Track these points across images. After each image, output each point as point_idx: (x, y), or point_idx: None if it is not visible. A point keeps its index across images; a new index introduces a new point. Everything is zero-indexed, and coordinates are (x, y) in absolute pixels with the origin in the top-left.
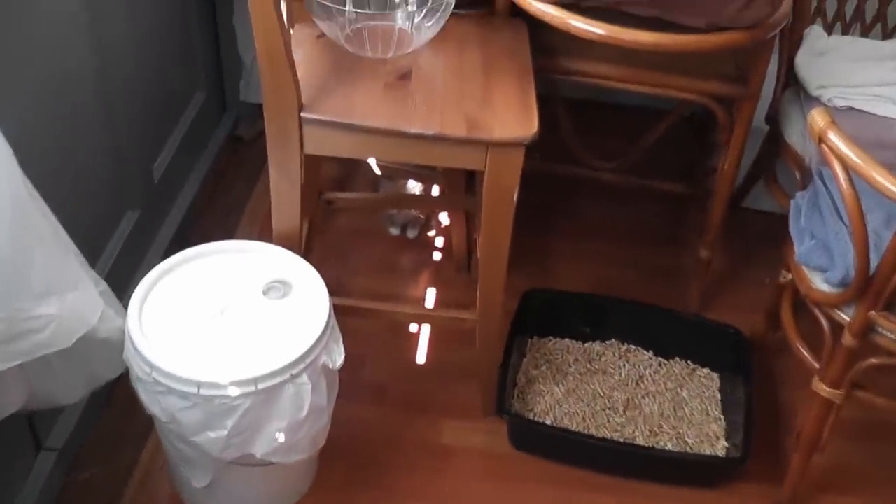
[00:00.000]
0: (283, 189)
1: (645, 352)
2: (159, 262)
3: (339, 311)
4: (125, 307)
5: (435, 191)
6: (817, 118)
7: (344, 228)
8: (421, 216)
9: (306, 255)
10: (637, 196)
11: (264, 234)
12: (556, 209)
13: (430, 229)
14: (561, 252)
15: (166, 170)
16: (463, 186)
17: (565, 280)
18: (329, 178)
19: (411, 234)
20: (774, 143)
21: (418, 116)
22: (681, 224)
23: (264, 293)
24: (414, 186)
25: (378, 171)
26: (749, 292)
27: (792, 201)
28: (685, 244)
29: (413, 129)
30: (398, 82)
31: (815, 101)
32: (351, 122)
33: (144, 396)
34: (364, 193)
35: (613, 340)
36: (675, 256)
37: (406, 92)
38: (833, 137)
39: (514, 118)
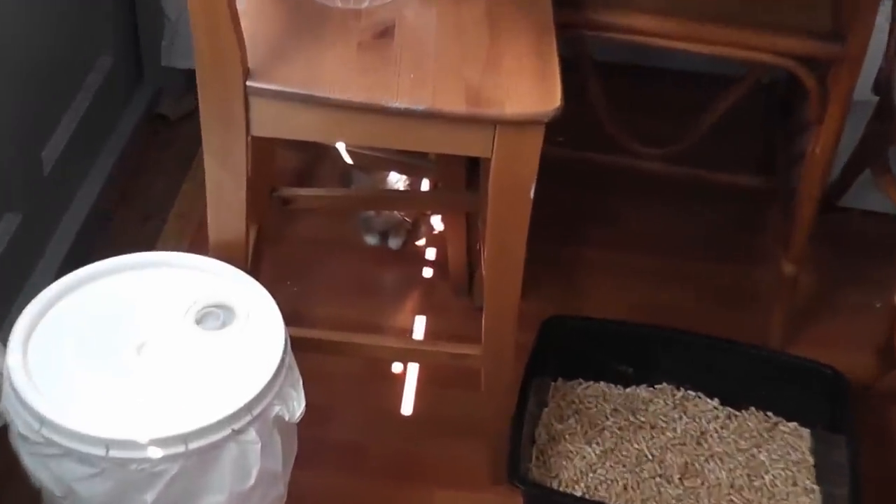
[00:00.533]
0: (223, 185)
1: (708, 400)
2: (51, 282)
3: (297, 346)
4: (3, 343)
5: (425, 186)
6: None
7: (305, 236)
8: (407, 220)
9: (254, 271)
10: (695, 193)
11: (197, 244)
12: (586, 210)
13: (418, 237)
14: (593, 266)
15: (60, 159)
16: (462, 180)
17: (599, 303)
18: (285, 171)
19: (394, 243)
20: (886, 119)
21: (403, 86)
22: (756, 230)
23: (197, 322)
24: (397, 181)
25: (349, 161)
26: (850, 320)
27: None
28: (762, 257)
29: (396, 104)
30: (376, 41)
31: None
32: (313, 94)
33: (30, 461)
34: (331, 190)
35: (665, 384)
36: (747, 273)
37: (387, 54)
38: None
39: (529, 88)
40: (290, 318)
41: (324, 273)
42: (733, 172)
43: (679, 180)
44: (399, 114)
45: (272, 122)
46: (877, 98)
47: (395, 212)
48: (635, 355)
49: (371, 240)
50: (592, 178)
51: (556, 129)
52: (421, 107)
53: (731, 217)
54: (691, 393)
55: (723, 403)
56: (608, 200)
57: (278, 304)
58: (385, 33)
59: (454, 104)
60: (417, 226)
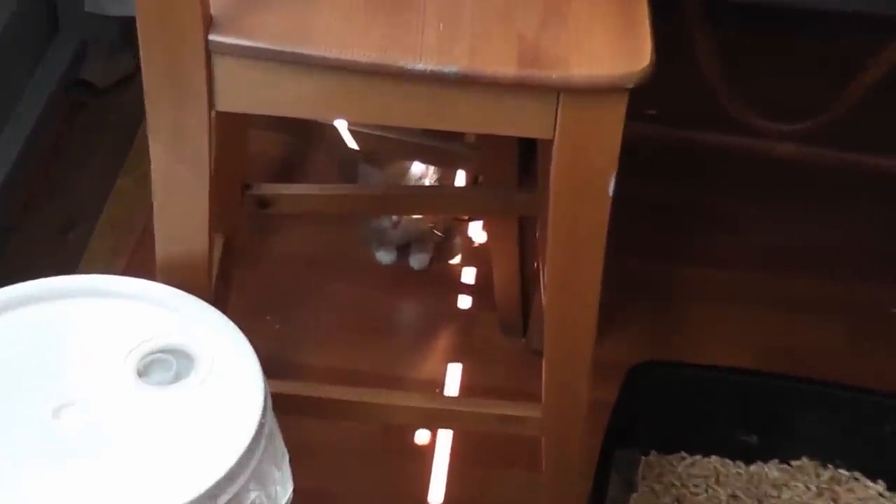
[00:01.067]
0: (176, 180)
1: (869, 482)
2: None
3: (282, 407)
4: None
5: (461, 181)
6: None
7: (291, 253)
8: (436, 231)
9: (220, 301)
10: (844, 185)
11: (137, 263)
12: (688, 212)
13: (451, 254)
14: (698, 292)
15: None
16: (513, 173)
17: (707, 345)
18: (263, 161)
19: (417, 261)
20: None
21: (429, 42)
22: None
23: (140, 374)
24: (422, 175)
25: (353, 146)
26: None
27: None
28: None
29: (419, 65)
30: None
31: None
32: (302, 52)
33: None
34: (328, 187)
35: (805, 460)
36: None
37: None
38: None
39: (606, 42)
40: (271, 368)
41: (318, 304)
42: None
43: (821, 168)
44: (423, 79)
45: (244, 93)
46: None
47: (419, 217)
48: (761, 418)
49: (385, 257)
50: (697, 167)
51: (646, 98)
52: (453, 68)
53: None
54: (843, 472)
55: (890, 488)
56: (720, 198)
57: (255, 347)
58: None
59: (500, 65)
60: (450, 237)
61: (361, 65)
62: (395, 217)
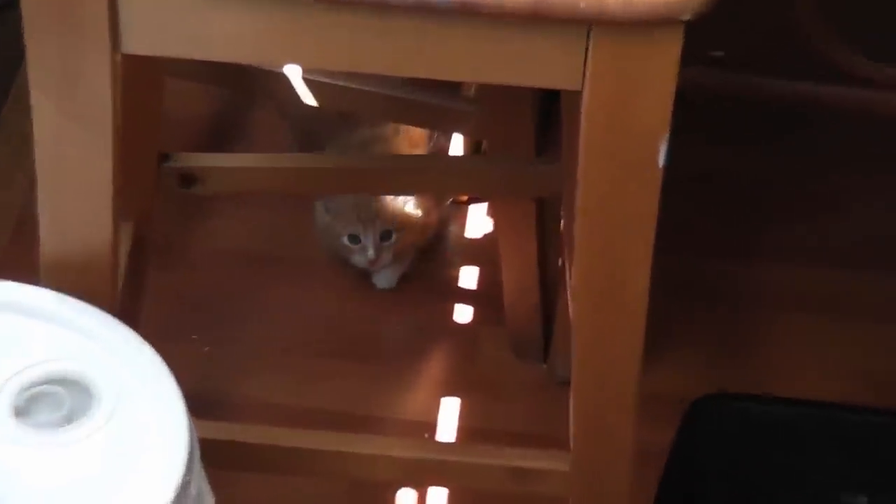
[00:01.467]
0: (68, 146)
1: None
2: None
3: (213, 458)
4: None
5: (457, 148)
6: None
7: (226, 247)
8: (419, 216)
9: (129, 313)
10: None
11: (13, 260)
12: (766, 191)
13: (444, 250)
14: (782, 298)
15: None
16: (530, 138)
17: (796, 371)
18: (189, 123)
19: (390, 268)
20: None
21: None
22: None
23: (18, 414)
24: (402, 138)
25: (311, 102)
26: None
27: None
28: None
29: None
30: None
31: None
32: None
33: None
34: (276, 157)
35: None
36: None
37: None
38: None
39: None
40: (199, 405)
41: (263, 318)
42: None
43: None
44: (406, 9)
45: (160, 28)
46: None
47: (400, 199)
48: (873, 472)
49: (356, 257)
50: (779, 127)
51: (709, 35)
52: None
53: None
54: None
55: None
56: (812, 171)
57: (177, 376)
58: None
59: None
60: (442, 226)
61: None
62: (366, 199)
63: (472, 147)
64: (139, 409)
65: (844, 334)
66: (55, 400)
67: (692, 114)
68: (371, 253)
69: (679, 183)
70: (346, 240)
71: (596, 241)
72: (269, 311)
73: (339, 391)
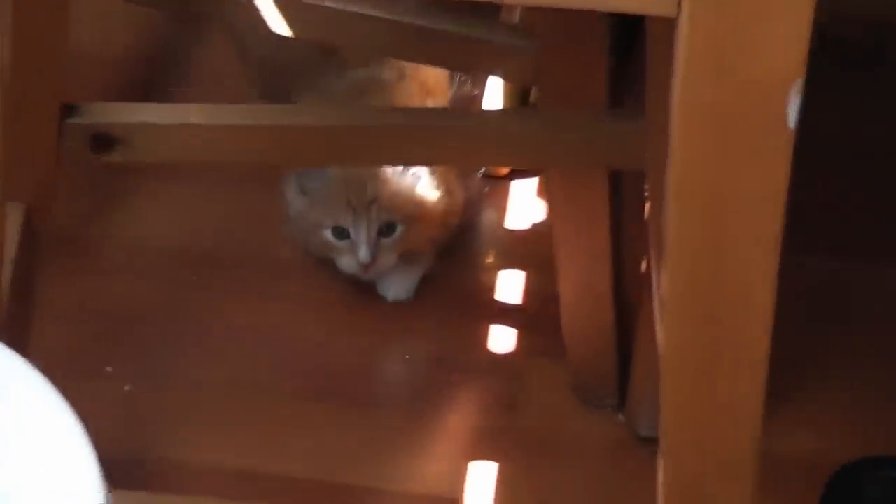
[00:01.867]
0: None
1: None
2: None
3: None
4: None
5: (493, 99)
6: None
7: (157, 241)
8: (433, 196)
9: (17, 334)
10: None
11: None
12: None
13: (475, 247)
14: None
15: None
16: (600, 85)
17: None
18: (103, 57)
19: (389, 288)
20: None
21: None
22: None
23: None
24: (410, 83)
25: (282, 30)
26: None
27: None
28: None
29: None
30: None
31: None
32: None
33: None
34: (226, 110)
35: None
36: None
37: None
38: None
39: None
40: (117, 467)
41: (210, 345)
42: None
43: None
44: None
45: None
46: None
47: (408, 174)
48: None
49: (342, 259)
50: None
51: None
52: None
53: None
54: None
55: None
56: None
57: (87, 425)
58: None
59: None
60: (472, 211)
61: None
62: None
63: (517, 97)
64: (32, 468)
65: None
66: None
67: (843, 57)
68: (364, 254)
69: (818, 158)
70: (329, 234)
71: (697, 234)
72: (218, 334)
73: (319, 450)
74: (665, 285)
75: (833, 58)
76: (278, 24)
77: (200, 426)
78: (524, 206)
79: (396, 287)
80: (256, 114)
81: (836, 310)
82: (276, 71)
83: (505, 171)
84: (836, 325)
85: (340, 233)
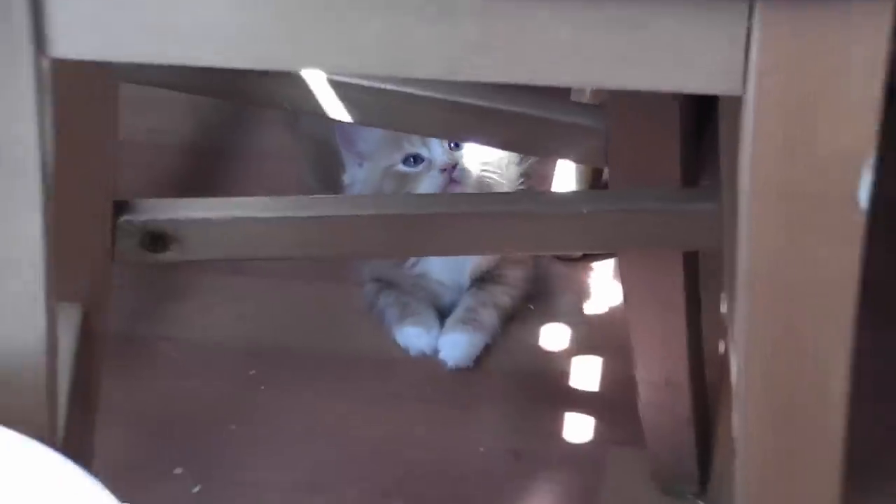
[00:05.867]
0: None
1: None
2: None
3: None
4: None
5: (566, 180)
6: None
7: (219, 337)
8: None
9: (77, 442)
10: None
11: None
12: None
13: (542, 319)
14: None
15: None
16: (675, 166)
17: None
18: (156, 156)
19: (452, 350)
20: None
21: None
22: None
23: None
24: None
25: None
26: None
27: None
28: None
29: None
30: None
31: None
32: None
33: None
34: (286, 202)
35: None
36: None
37: None
38: None
39: None
40: None
41: (274, 442)
42: None
43: None
44: None
45: (106, 23)
46: None
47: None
48: None
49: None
50: None
51: None
52: None
53: None
54: None
55: None
56: None
57: None
58: None
59: None
60: (544, 292)
61: None
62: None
63: (593, 179)
64: None
65: None
66: None
67: None
68: (442, 156)
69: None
70: (403, 167)
71: (768, 321)
72: (284, 433)
73: None
74: (737, 373)
75: None
76: (336, 109)
77: None
78: (600, 288)
79: (457, 350)
80: (310, 205)
81: None
82: (328, 157)
83: (576, 255)
84: None
85: (414, 159)
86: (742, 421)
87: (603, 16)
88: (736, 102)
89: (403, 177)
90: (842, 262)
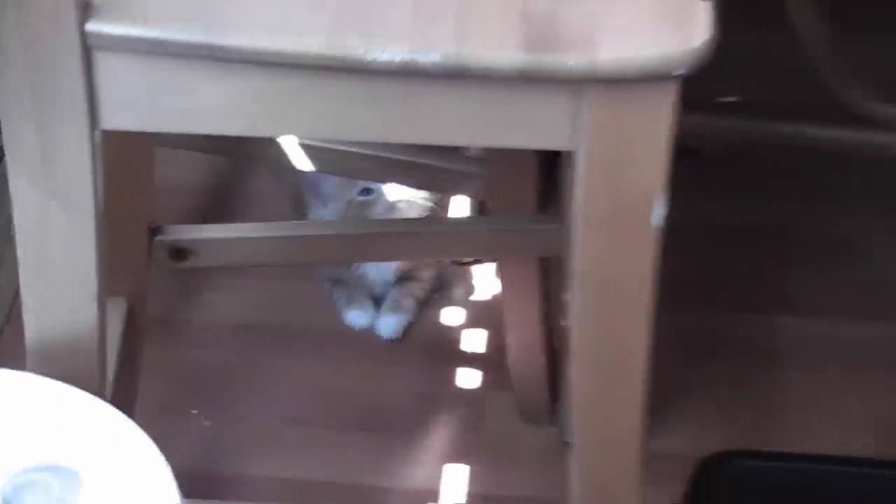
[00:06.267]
0: (49, 225)
1: None
2: None
3: None
4: None
5: (460, 208)
6: None
7: (223, 320)
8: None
9: (123, 393)
10: None
11: (5, 347)
12: (785, 239)
13: (447, 311)
14: (796, 352)
15: None
16: (532, 197)
17: (811, 426)
18: (180, 192)
19: (391, 324)
20: None
21: (398, 20)
22: None
23: (8, 502)
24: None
25: (309, 167)
26: None
27: None
28: None
29: (386, 54)
30: None
31: None
32: (220, 43)
33: None
34: (270, 227)
35: None
36: None
37: None
38: None
39: (645, 10)
40: (201, 483)
41: (264, 391)
42: None
43: None
44: (392, 74)
45: (140, 104)
46: None
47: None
48: None
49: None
50: (797, 175)
51: (721, 81)
52: (434, 57)
53: None
54: None
55: None
56: (833, 221)
57: (177, 452)
58: None
59: (498, 49)
60: (445, 286)
61: (304, 57)
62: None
63: (479, 207)
64: (128, 495)
65: (862, 386)
66: (43, 488)
67: (704, 164)
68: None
69: (691, 237)
70: (359, 197)
71: (593, 303)
72: (271, 383)
73: (345, 463)
74: (573, 338)
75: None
76: (304, 162)
77: (260, 449)
78: (485, 283)
79: (391, 326)
80: (290, 228)
81: (709, 348)
82: (301, 197)
83: (468, 259)
84: (710, 359)
85: (367, 191)
86: (576, 370)
87: (478, 98)
88: (571, 155)
89: (362, 204)
90: (642, 264)
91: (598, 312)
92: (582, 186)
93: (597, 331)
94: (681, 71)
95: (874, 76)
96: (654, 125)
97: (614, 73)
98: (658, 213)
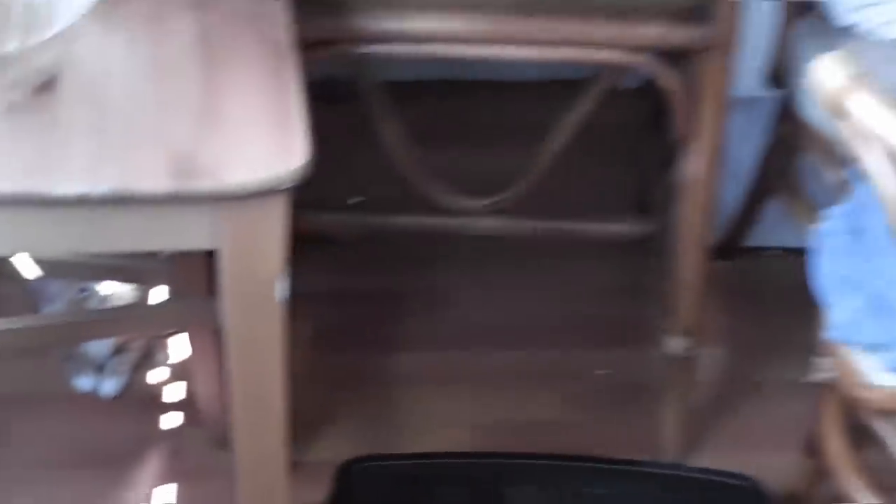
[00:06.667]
0: None
1: None
2: None
3: None
4: None
5: (159, 294)
6: (831, 68)
7: None
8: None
9: None
10: (551, 255)
11: None
12: (400, 299)
13: (151, 367)
14: (416, 378)
15: None
16: (203, 282)
17: (426, 432)
18: None
19: (108, 386)
20: (788, 120)
21: (77, 162)
22: (639, 296)
23: None
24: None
25: (35, 273)
26: (770, 407)
27: (816, 228)
28: (644, 333)
29: (64, 190)
30: (34, 100)
31: (848, 34)
32: None
33: None
34: (8, 321)
35: None
36: (636, 359)
37: (50, 116)
38: (862, 103)
39: (261, 143)
40: None
41: (16, 447)
42: (598, 219)
43: (524, 240)
44: (74, 203)
45: None
46: (775, 92)
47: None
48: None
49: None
50: (407, 251)
51: (348, 186)
52: (103, 189)
53: (605, 283)
54: None
55: None
56: (432, 281)
57: None
58: (46, 87)
59: (153, 179)
60: (152, 353)
61: (3, 196)
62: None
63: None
64: None
65: (456, 398)
66: None
67: (338, 249)
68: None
69: (334, 301)
70: (79, 294)
71: (240, 358)
72: (23, 438)
73: (80, 493)
74: (231, 384)
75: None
76: (28, 269)
77: (26, 479)
78: (180, 348)
79: (111, 386)
80: (25, 321)
81: (345, 381)
82: (36, 292)
83: (167, 332)
84: (346, 388)
85: (83, 290)
86: (235, 406)
87: (140, 215)
88: (216, 251)
89: (82, 300)
90: (273, 327)
91: (244, 365)
92: (224, 274)
93: (245, 377)
94: (287, 185)
95: (450, 177)
96: (272, 226)
97: (239, 192)
98: (280, 289)
